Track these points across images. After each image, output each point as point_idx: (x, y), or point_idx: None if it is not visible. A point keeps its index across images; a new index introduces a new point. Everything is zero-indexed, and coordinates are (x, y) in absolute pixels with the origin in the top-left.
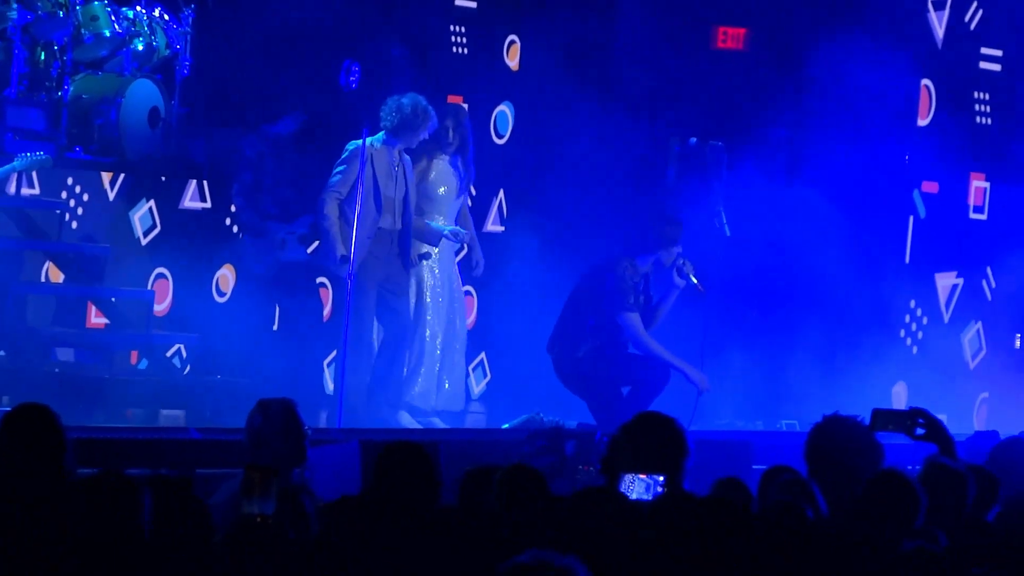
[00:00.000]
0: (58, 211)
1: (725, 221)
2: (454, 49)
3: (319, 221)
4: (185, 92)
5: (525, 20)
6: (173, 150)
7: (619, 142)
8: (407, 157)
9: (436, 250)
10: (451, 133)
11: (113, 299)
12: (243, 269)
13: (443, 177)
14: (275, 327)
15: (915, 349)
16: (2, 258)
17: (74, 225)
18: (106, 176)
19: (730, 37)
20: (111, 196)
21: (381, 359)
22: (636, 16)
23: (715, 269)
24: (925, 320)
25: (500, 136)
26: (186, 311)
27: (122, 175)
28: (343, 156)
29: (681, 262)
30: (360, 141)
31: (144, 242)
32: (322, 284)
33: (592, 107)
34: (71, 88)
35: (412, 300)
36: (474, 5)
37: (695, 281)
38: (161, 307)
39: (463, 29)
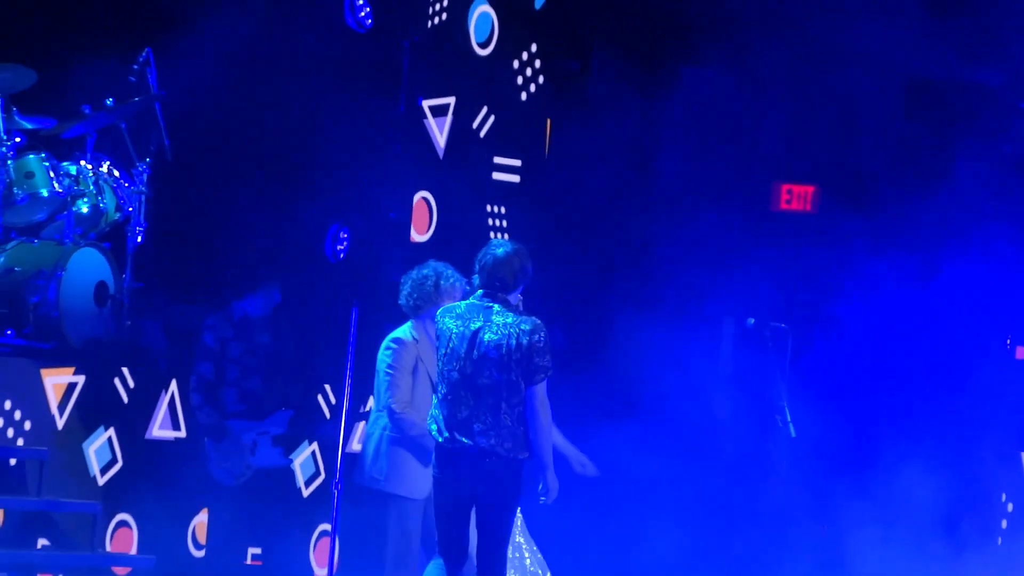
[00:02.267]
0: None
1: (790, 420)
2: (492, 235)
3: (414, 438)
4: (139, 263)
5: (553, 182)
6: (126, 334)
7: (661, 322)
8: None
9: None
10: None
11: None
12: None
13: None
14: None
15: (999, 540)
16: None
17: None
18: (53, 392)
19: (796, 197)
20: (60, 422)
21: None
22: (679, 170)
23: (775, 475)
24: (1010, 507)
25: None
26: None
27: (75, 393)
28: (387, 354)
29: None
30: (403, 331)
31: (101, 481)
32: (325, 533)
33: (629, 281)
34: (1, 259)
35: None
36: (516, 180)
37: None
38: (122, 569)
39: (503, 210)
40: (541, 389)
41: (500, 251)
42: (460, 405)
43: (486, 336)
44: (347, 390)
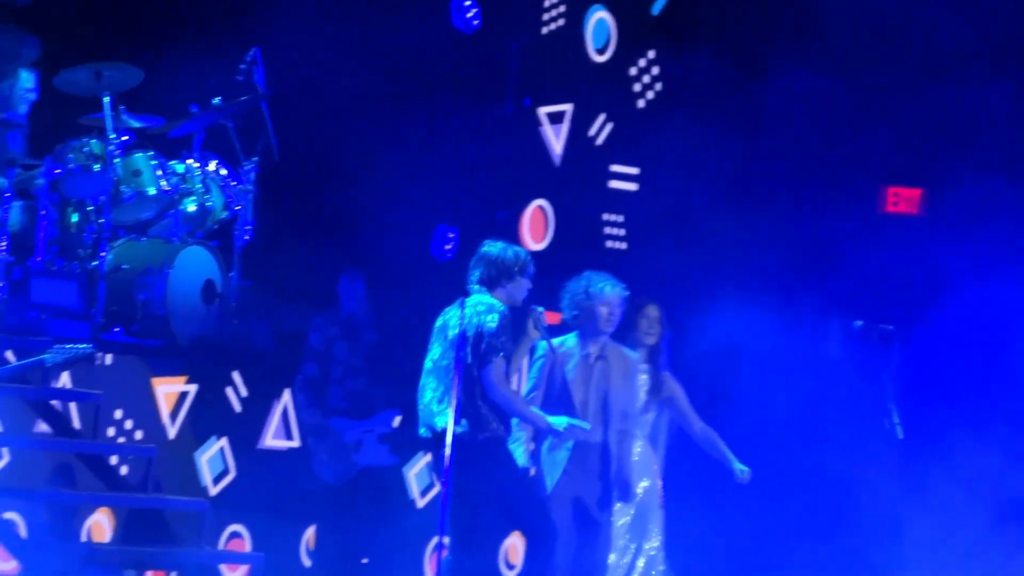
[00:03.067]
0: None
1: (897, 422)
2: (608, 243)
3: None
4: (247, 262)
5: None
6: (234, 333)
7: (769, 325)
8: (609, 356)
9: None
10: (651, 325)
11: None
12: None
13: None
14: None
15: None
16: (25, 461)
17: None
18: (164, 402)
19: (903, 199)
20: (171, 432)
21: None
22: (788, 173)
23: (884, 477)
24: None
25: None
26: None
27: (187, 402)
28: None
29: None
30: (563, 338)
31: (214, 492)
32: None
33: (737, 283)
34: (109, 257)
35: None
36: (634, 188)
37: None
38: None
39: (621, 218)
40: (496, 369)
41: (483, 249)
42: (428, 391)
43: (452, 322)
44: (455, 389)
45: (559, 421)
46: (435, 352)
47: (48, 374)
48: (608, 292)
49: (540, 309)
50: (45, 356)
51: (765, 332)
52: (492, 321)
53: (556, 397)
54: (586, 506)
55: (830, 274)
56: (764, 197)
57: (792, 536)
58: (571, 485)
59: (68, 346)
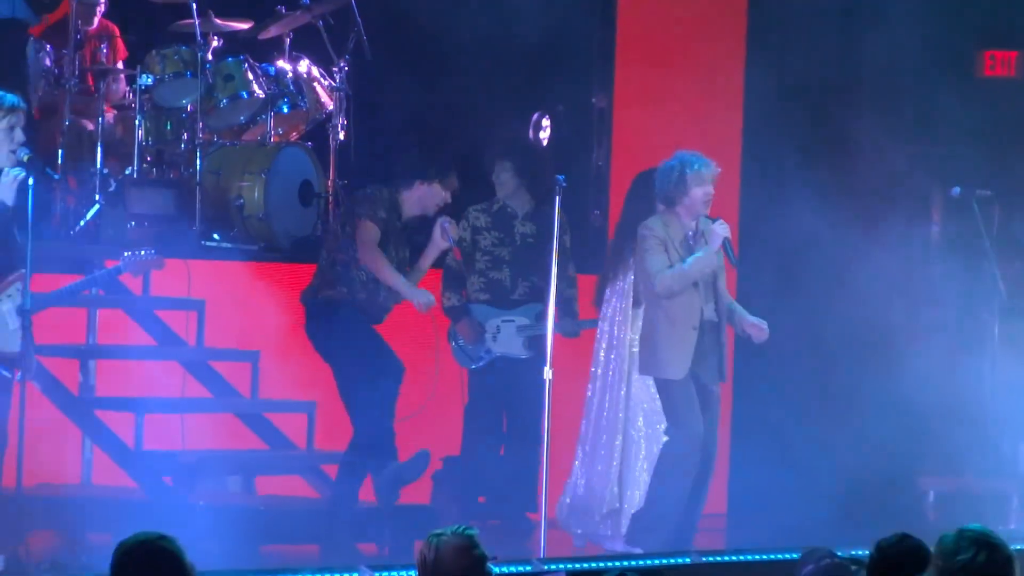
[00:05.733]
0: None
1: (1002, 284)
2: None
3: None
4: (342, 161)
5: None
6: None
7: (869, 193)
8: (705, 233)
9: None
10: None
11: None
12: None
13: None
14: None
15: None
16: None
17: None
18: None
19: (999, 63)
20: None
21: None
22: (883, 40)
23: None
24: None
25: None
26: None
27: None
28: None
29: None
30: (653, 219)
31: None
32: None
33: (835, 156)
34: (204, 163)
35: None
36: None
37: None
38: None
39: None
40: (364, 229)
41: None
42: None
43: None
44: (552, 274)
45: (424, 297)
46: None
47: (148, 286)
48: (704, 174)
49: (448, 219)
50: (119, 264)
51: (864, 198)
52: (372, 190)
53: None
54: (703, 382)
55: (927, 142)
56: (863, 67)
57: (889, 403)
58: (695, 367)
59: (137, 251)
